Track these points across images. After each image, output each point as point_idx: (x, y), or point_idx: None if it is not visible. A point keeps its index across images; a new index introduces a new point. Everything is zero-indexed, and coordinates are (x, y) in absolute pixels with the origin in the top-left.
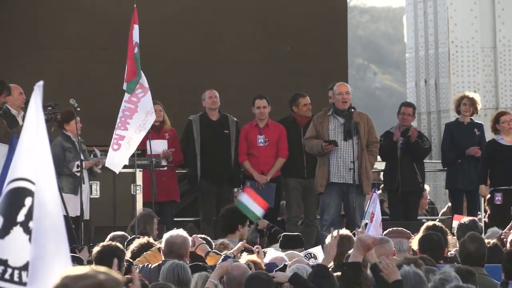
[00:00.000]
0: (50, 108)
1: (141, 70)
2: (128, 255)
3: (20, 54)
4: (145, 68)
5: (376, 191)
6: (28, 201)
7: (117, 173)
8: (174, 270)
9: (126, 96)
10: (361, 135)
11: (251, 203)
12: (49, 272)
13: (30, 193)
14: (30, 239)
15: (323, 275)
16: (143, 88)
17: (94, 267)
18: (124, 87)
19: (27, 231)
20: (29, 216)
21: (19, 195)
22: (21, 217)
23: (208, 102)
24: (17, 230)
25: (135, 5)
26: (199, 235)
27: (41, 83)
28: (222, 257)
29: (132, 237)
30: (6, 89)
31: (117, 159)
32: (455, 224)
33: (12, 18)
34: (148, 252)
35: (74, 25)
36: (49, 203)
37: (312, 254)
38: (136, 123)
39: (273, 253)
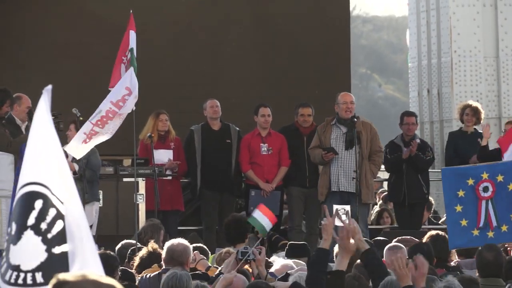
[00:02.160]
0: (53, 117)
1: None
2: (137, 261)
3: (23, 63)
4: (147, 77)
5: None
6: (38, 203)
7: (77, 158)
8: (169, 283)
9: (113, 96)
10: (363, 144)
11: (264, 219)
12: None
13: (40, 195)
14: (42, 240)
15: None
16: (130, 94)
17: (93, 273)
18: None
19: (39, 232)
20: (40, 218)
21: (29, 200)
22: (31, 220)
23: (209, 112)
24: (28, 234)
25: (131, 11)
26: (198, 244)
27: (49, 87)
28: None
29: (135, 247)
30: (9, 98)
31: (80, 149)
32: None
33: (17, 28)
34: (149, 269)
35: (77, 34)
36: (69, 204)
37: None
38: (111, 127)
39: (281, 261)
